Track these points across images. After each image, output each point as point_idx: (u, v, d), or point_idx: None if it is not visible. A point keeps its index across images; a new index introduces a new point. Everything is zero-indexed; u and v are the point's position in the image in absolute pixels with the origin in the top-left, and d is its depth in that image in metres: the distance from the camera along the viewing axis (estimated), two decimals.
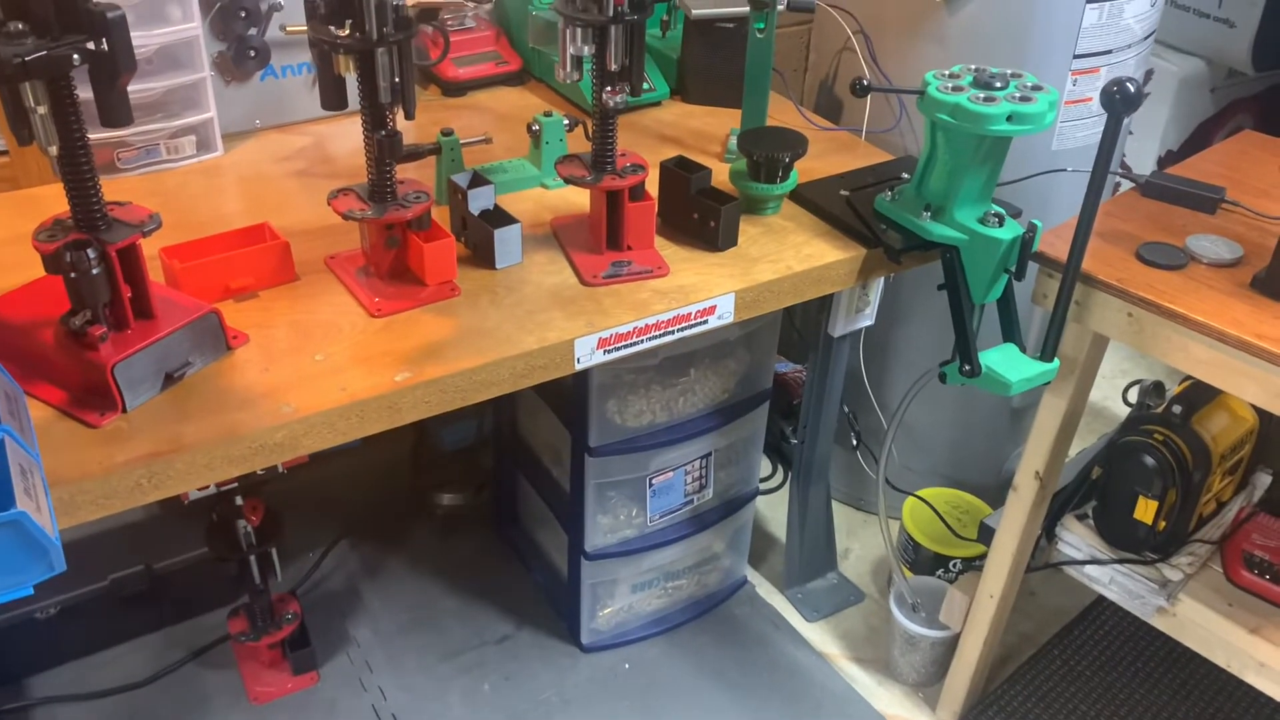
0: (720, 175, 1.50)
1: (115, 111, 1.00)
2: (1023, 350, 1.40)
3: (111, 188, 1.48)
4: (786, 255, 1.41)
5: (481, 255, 1.34)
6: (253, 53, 1.60)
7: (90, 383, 1.06)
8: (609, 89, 1.27)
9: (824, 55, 1.93)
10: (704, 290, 1.33)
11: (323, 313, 1.24)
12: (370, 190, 1.24)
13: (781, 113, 1.78)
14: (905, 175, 1.50)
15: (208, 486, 1.65)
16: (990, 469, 2.15)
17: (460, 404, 1.18)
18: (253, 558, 1.69)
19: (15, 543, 0.78)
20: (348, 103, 1.19)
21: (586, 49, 1.25)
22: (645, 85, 1.81)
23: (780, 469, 2.31)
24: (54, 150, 0.98)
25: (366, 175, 1.23)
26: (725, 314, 1.34)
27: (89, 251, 1.02)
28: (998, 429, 2.12)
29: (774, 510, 2.22)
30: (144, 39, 1.45)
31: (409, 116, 1.19)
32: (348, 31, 1.11)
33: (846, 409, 2.03)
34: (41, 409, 1.06)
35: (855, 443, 2.09)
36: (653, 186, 1.41)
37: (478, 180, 1.35)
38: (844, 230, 1.46)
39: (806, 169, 1.56)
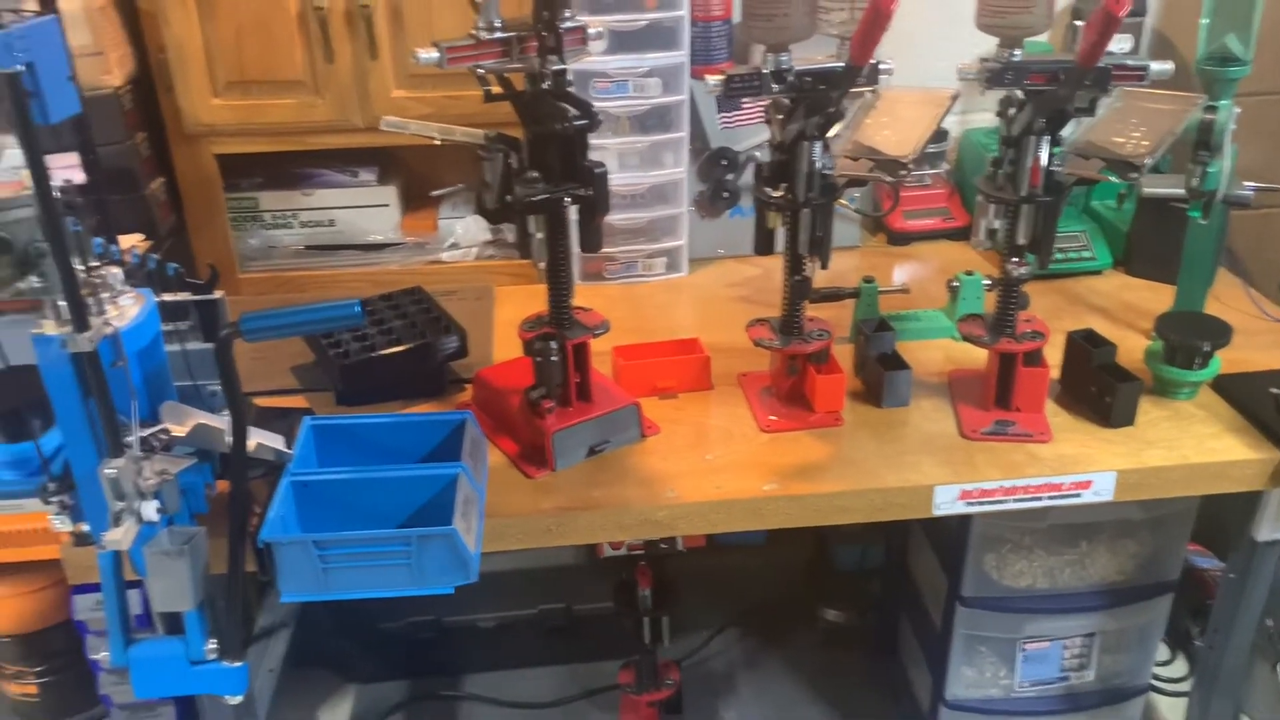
0: (1139, 352, 1.50)
1: (591, 241, 1.30)
2: None
3: (595, 291, 1.84)
4: (1186, 444, 1.37)
5: (872, 393, 1.47)
6: (726, 194, 1.88)
7: (535, 443, 1.35)
8: (1015, 259, 1.36)
9: None
10: (1084, 464, 1.34)
11: (723, 419, 1.45)
12: (781, 323, 1.43)
13: (1234, 296, 1.71)
14: None
15: (620, 547, 1.93)
16: None
17: (818, 522, 1.31)
18: (646, 619, 1.93)
19: (445, 551, 1.06)
20: (774, 249, 1.39)
21: (998, 222, 1.35)
22: (1087, 254, 1.84)
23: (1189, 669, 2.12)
24: (542, 265, 1.29)
25: (780, 310, 1.43)
26: (1103, 491, 1.34)
27: (553, 343, 1.32)
28: None
29: (1175, 712, 2.04)
30: (640, 178, 1.79)
31: (824, 266, 1.37)
32: (781, 192, 1.32)
33: (1270, 622, 1.83)
34: (499, 456, 1.37)
35: (1277, 663, 1.87)
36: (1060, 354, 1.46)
37: (882, 326, 1.50)
38: (1262, 429, 1.38)
39: (1241, 359, 1.50)
